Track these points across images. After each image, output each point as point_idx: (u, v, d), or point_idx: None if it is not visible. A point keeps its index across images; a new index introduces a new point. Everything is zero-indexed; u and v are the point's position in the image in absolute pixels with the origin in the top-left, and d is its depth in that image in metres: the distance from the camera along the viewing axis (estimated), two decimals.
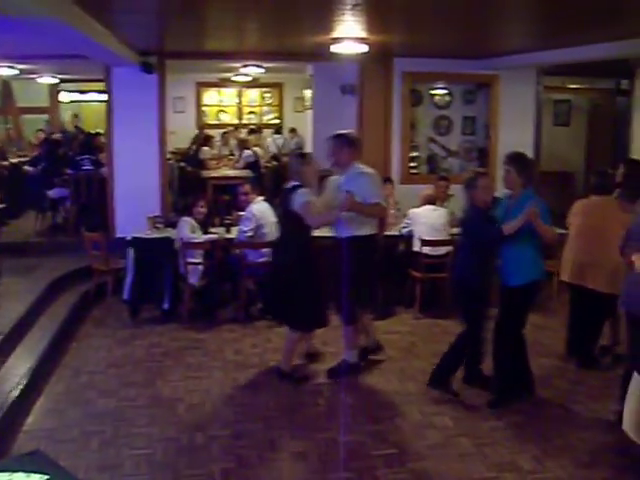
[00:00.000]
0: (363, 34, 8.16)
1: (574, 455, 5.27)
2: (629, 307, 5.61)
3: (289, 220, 6.43)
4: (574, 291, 7.22)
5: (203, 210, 8.68)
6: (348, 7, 6.14)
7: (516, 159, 6.09)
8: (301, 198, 6.21)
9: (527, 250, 6.00)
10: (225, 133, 15.38)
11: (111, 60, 9.81)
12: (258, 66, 12.98)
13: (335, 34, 8.16)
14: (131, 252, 8.51)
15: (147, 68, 10.28)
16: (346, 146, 6.55)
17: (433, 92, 11.43)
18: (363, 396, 6.35)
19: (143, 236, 8.68)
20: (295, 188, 6.29)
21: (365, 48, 8.72)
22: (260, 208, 8.45)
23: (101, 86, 11.04)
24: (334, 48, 8.70)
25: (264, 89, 18.79)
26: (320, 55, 9.83)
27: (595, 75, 12.25)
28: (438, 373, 6.34)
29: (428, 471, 5.00)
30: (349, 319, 6.62)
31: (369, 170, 6.64)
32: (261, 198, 8.59)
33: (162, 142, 10.77)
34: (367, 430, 5.63)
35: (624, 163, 7.87)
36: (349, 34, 8.18)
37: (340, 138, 6.61)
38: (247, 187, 8.67)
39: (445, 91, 11.47)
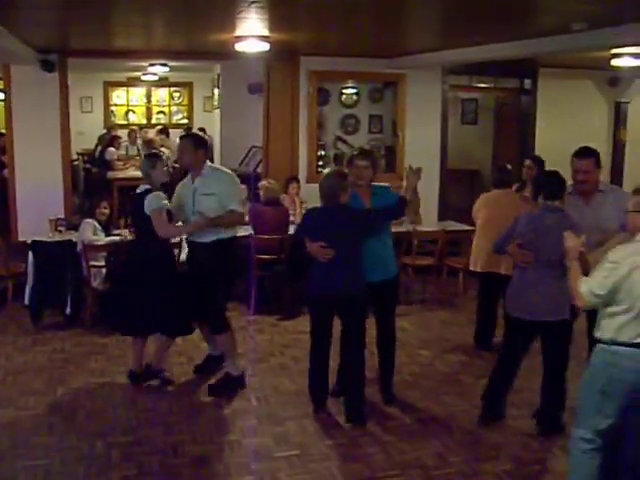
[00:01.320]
0: (266, 32, 8.08)
1: (477, 449, 5.34)
2: (514, 312, 5.53)
3: (144, 224, 6.06)
4: (484, 281, 7.46)
5: (105, 211, 8.49)
6: (246, 4, 6.06)
7: (372, 154, 6.09)
8: (154, 203, 5.95)
9: (389, 244, 6.05)
10: (131, 132, 15.11)
11: (8, 58, 9.50)
12: (164, 65, 12.79)
13: (238, 32, 8.06)
14: (31, 256, 8.25)
15: (47, 67, 9.95)
16: (200, 147, 6.21)
17: (341, 91, 11.44)
18: (267, 397, 6.29)
19: (44, 239, 8.43)
20: (148, 192, 6.02)
21: (268, 46, 8.63)
22: None
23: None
24: (238, 46, 8.60)
25: (173, 88, 18.49)
26: (226, 54, 9.72)
27: (501, 75, 12.45)
28: (360, 408, 5.83)
29: (331, 471, 4.97)
30: (216, 327, 6.37)
31: (226, 170, 6.44)
32: None
33: (65, 143, 10.45)
34: (271, 432, 5.58)
35: (532, 160, 8.26)
36: (252, 32, 8.08)
37: (192, 139, 6.38)
38: None
39: (352, 90, 11.50)
